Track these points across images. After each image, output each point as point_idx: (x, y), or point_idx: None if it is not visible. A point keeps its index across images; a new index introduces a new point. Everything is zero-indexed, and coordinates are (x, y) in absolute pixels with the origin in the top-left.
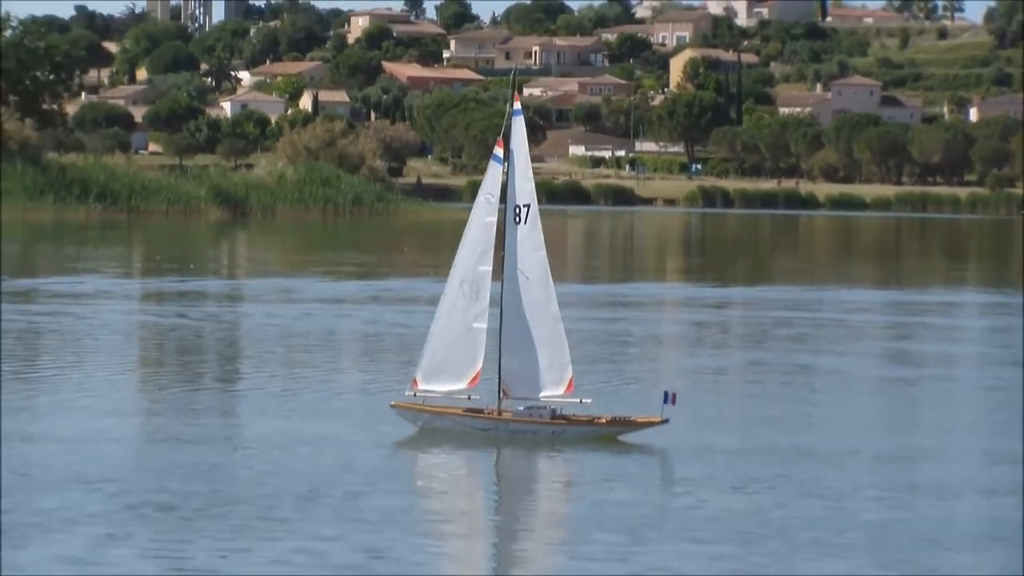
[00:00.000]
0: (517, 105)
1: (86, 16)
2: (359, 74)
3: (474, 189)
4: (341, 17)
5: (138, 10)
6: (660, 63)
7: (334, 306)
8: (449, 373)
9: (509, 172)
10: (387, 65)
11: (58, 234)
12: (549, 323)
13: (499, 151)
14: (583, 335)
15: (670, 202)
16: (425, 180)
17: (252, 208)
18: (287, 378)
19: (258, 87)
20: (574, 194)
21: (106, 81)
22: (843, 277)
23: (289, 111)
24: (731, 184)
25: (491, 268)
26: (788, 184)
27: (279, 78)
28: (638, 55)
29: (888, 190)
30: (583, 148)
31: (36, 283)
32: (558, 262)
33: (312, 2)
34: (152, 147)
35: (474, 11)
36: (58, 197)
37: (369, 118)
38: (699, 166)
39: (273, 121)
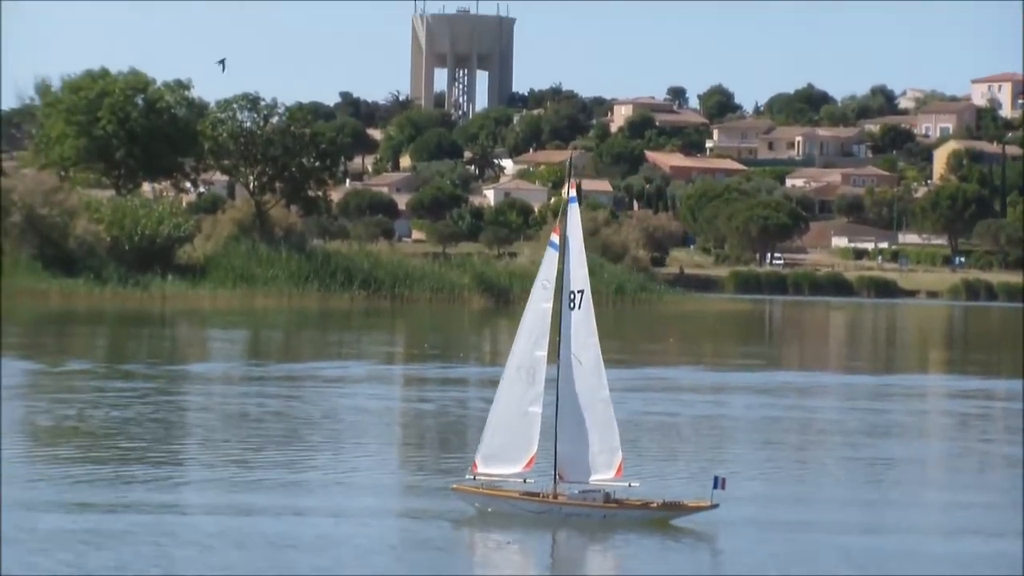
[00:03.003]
0: (572, 192)
1: (351, 103)
2: (622, 163)
3: (737, 280)
4: (604, 106)
5: (402, 97)
6: (923, 154)
7: None
8: (506, 457)
9: (565, 259)
10: (650, 154)
11: (323, 321)
12: (600, 408)
13: (555, 238)
14: (835, 425)
15: (933, 295)
16: (687, 270)
17: (515, 296)
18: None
19: (521, 175)
20: (836, 286)
21: (370, 168)
22: None
23: (552, 199)
24: (995, 277)
25: (546, 353)
26: None
27: (542, 166)
28: (901, 146)
29: None
30: (845, 239)
31: (302, 368)
32: (820, 352)
33: (575, 91)
34: (415, 234)
35: (737, 100)
36: (322, 284)
37: (632, 207)
38: (963, 259)
39: (536, 209)
